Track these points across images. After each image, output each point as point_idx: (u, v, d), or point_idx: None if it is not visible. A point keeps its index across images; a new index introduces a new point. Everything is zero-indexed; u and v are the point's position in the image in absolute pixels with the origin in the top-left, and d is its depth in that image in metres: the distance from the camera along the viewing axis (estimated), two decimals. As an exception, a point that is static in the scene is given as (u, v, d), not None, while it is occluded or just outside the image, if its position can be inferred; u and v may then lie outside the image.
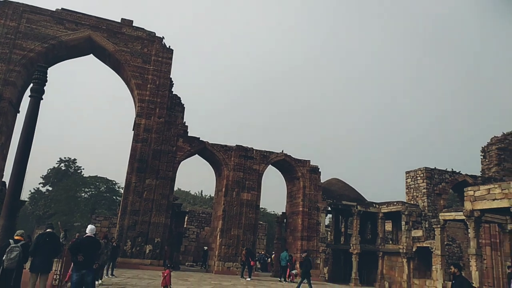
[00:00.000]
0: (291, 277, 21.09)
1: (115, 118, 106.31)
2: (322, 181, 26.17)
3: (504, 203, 13.39)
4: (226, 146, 24.24)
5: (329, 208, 26.51)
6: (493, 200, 13.94)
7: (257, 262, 26.71)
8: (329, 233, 30.89)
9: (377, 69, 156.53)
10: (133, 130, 22.85)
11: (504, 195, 13.46)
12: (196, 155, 24.80)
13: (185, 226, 30.86)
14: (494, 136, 26.39)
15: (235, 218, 23.05)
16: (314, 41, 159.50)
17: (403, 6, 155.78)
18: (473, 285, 13.90)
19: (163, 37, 23.95)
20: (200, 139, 23.71)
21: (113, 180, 45.48)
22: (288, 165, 25.85)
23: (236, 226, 22.91)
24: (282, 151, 25.53)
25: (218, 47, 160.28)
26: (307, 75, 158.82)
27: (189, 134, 23.48)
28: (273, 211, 50.34)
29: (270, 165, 25.72)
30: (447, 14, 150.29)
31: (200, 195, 59.52)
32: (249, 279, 19.44)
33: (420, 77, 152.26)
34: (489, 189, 14.33)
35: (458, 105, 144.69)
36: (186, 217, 31.69)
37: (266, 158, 24.97)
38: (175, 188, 25.93)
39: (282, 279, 20.66)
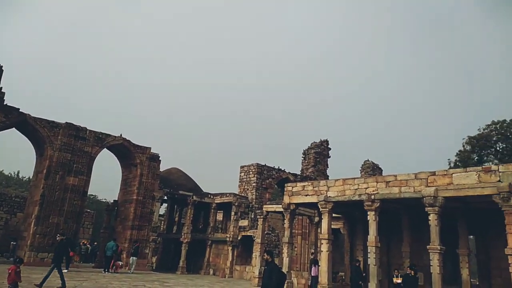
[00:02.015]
0: (115, 267, 20.00)
1: None
2: (161, 169, 25.68)
3: (314, 199, 15.59)
4: (53, 122, 21.30)
5: (165, 198, 26.25)
6: (306, 195, 16.08)
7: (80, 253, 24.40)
8: (162, 222, 30.61)
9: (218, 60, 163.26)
10: None
11: (315, 191, 15.69)
12: (14, 128, 21.07)
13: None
14: (313, 142, 30.71)
15: (56, 205, 20.50)
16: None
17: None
18: (282, 270, 15.84)
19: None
20: (20, 110, 20.21)
21: None
22: (126, 151, 24.43)
23: (56, 213, 20.41)
24: (121, 134, 23.97)
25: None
26: (155, 59, 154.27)
27: (5, 103, 19.72)
28: (105, 199, 47.00)
29: (105, 149, 23.84)
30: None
31: (16, 176, 51.02)
32: (66, 270, 17.54)
33: (265, 76, 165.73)
34: (304, 186, 16.49)
35: (292, 111, 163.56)
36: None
37: (102, 140, 23.03)
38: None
39: (106, 270, 19.39)
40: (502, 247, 10.60)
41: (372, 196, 13.41)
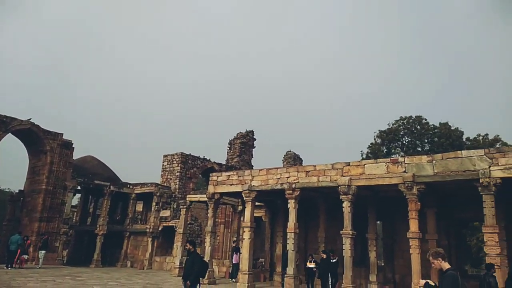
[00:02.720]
0: (20, 262, 18.18)
1: None
2: (75, 157, 23.84)
3: (238, 188, 15.75)
4: None
5: (79, 187, 24.47)
6: (231, 185, 16.18)
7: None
8: (75, 213, 28.57)
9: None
10: None
11: (239, 181, 15.85)
12: None
13: None
14: (240, 132, 30.96)
15: None
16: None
17: None
18: (204, 259, 15.81)
19: None
20: None
21: None
22: (35, 136, 22.19)
23: None
24: (30, 119, 21.71)
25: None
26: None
27: None
28: (8, 189, 42.46)
29: (10, 134, 21.41)
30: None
31: None
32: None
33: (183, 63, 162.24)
34: (229, 175, 16.56)
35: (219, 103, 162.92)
36: None
37: (6, 124, 20.64)
38: None
39: (9, 266, 17.52)
40: (405, 231, 11.75)
41: (293, 185, 13.94)
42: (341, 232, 12.72)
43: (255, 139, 31.87)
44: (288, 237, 13.93)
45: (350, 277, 12.24)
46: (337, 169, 13.18)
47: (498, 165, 10.18)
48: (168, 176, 26.67)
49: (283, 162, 30.59)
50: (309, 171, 13.93)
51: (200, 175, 28.93)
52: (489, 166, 10.29)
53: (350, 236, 12.45)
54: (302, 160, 31.13)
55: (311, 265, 13.57)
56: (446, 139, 32.34)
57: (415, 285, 11.18)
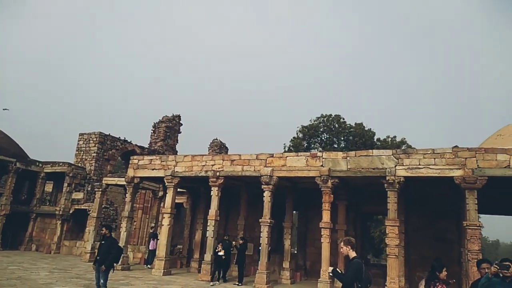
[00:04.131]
0: None
1: None
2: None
3: (161, 173, 15.39)
4: None
5: (-23, 162, 21.79)
6: (153, 169, 15.74)
7: None
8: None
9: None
10: None
11: (162, 166, 15.49)
12: None
13: None
14: (165, 115, 30.04)
15: None
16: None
17: None
18: (119, 244, 15.23)
19: None
20: None
21: None
22: None
23: None
24: None
25: None
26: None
27: None
28: None
29: None
30: None
31: None
32: None
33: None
34: (151, 159, 16.08)
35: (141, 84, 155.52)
36: None
37: None
38: None
39: None
40: (318, 221, 12.58)
41: (218, 173, 14.04)
42: (260, 220, 13.18)
43: (181, 124, 31.25)
44: (208, 224, 14.03)
45: (266, 264, 12.78)
46: (261, 159, 13.57)
47: (403, 165, 11.35)
48: (84, 157, 24.99)
49: (209, 150, 30.51)
50: (234, 160, 14.13)
51: (119, 158, 27.57)
52: (395, 166, 11.43)
53: (268, 224, 12.96)
54: (228, 149, 31.35)
55: (221, 252, 13.57)
56: (360, 138, 34.97)
57: (323, 272, 12.07)
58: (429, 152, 11.18)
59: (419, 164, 11.16)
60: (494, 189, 10.93)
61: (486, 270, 5.01)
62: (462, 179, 10.47)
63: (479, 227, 10.20)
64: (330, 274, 5.03)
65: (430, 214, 14.68)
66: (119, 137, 26.53)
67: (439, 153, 11.05)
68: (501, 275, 4.99)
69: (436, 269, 6.12)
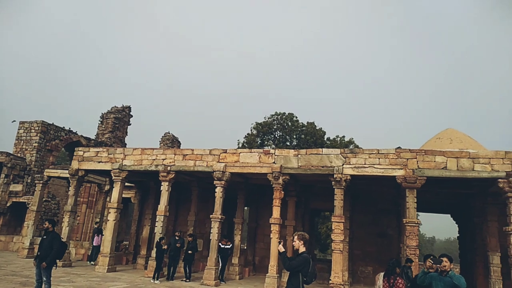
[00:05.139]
0: None
1: None
2: None
3: (107, 166, 14.78)
4: None
5: None
6: (100, 162, 15.08)
7: None
8: None
9: None
10: None
11: (109, 159, 14.89)
12: None
13: None
14: (115, 106, 28.86)
15: None
16: None
17: None
18: (62, 239, 14.46)
19: None
20: None
21: None
22: None
23: None
24: None
25: None
26: None
27: None
28: None
29: None
30: None
31: None
32: None
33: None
34: (98, 152, 15.39)
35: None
36: None
37: None
38: None
39: None
40: (269, 217, 12.75)
41: (169, 168, 13.75)
42: (211, 216, 13.10)
43: (131, 116, 30.21)
44: (157, 219, 13.72)
45: (215, 259, 12.74)
46: (214, 155, 13.48)
47: (350, 164, 11.81)
48: (24, 146, 23.35)
49: (160, 144, 29.76)
50: (187, 154, 13.92)
51: (63, 149, 26.11)
52: (343, 164, 11.86)
53: (219, 220, 12.93)
54: (180, 143, 30.79)
55: (164, 247, 13.16)
56: (311, 137, 35.89)
57: (271, 267, 12.28)
58: (374, 152, 11.73)
59: (365, 164, 11.68)
60: (432, 188, 11.72)
61: (446, 264, 5.32)
62: (403, 179, 11.10)
63: (417, 224, 10.88)
64: (279, 252, 5.13)
65: (374, 212, 15.45)
66: (64, 127, 25.10)
67: (383, 153, 11.63)
68: (439, 269, 5.40)
69: (396, 265, 6.81)
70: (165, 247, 13.01)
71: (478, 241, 13.28)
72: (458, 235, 17.27)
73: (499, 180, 10.35)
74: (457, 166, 10.87)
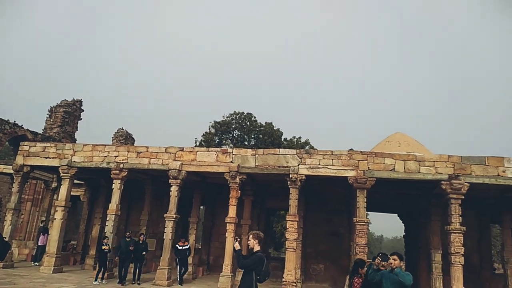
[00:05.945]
0: None
1: None
2: None
3: (55, 162, 14.05)
4: None
5: None
6: (47, 158, 14.29)
7: None
8: None
9: None
10: None
11: (58, 155, 14.15)
12: None
13: None
14: (65, 99, 27.41)
15: None
16: None
17: None
18: (5, 239, 13.55)
19: None
20: None
21: None
22: None
23: None
24: None
25: None
26: None
27: None
28: None
29: None
30: None
31: None
32: None
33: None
34: (45, 147, 14.58)
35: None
36: None
37: None
38: None
39: None
40: (224, 216, 12.72)
41: (121, 165, 13.32)
42: (165, 215, 12.85)
43: (83, 110, 28.84)
44: (108, 219, 13.23)
45: (168, 259, 12.51)
46: (170, 153, 13.24)
47: (305, 164, 12.08)
48: (-39, 139, 21.61)
49: (113, 140, 28.71)
50: (141, 152, 13.55)
51: (7, 143, 24.43)
52: (298, 164, 12.11)
53: (174, 219, 12.71)
54: (135, 140, 29.90)
55: (106, 248, 12.49)
56: (269, 137, 36.25)
57: (226, 266, 12.27)
58: (328, 154, 12.08)
59: (319, 164, 11.99)
60: (381, 189, 12.26)
61: (394, 262, 5.55)
62: (354, 179, 11.53)
63: (367, 223, 11.34)
64: (235, 249, 5.14)
65: (327, 211, 15.92)
66: (8, 120, 23.49)
67: (336, 154, 12.00)
68: (388, 268, 5.68)
69: (359, 266, 7.06)
70: (105, 247, 12.29)
71: (422, 239, 14.06)
72: (404, 234, 18.21)
73: (442, 182, 11.04)
74: (405, 168, 11.46)
